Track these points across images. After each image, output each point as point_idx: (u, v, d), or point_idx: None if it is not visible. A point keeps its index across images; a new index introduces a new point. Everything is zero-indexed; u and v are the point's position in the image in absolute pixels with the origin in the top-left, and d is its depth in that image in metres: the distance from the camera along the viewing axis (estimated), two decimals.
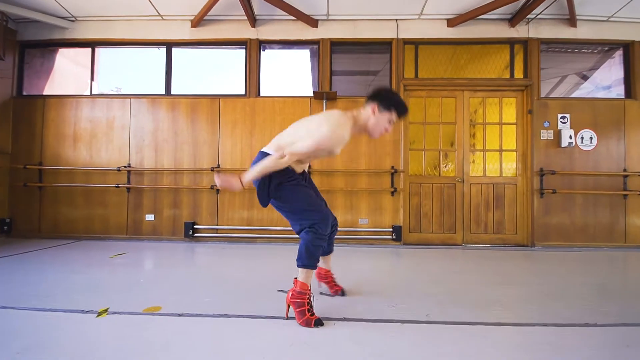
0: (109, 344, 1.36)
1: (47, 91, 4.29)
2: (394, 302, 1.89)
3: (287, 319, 1.62)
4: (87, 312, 1.69)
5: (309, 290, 1.63)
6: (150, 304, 1.81)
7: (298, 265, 1.63)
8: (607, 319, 1.68)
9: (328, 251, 1.99)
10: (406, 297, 1.99)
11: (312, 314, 1.56)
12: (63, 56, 4.47)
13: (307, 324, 1.53)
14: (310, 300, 1.60)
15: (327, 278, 2.04)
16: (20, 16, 3.97)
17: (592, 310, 1.81)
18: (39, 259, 2.93)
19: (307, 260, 1.61)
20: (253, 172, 1.59)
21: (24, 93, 4.25)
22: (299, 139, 1.61)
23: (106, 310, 1.71)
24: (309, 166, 1.88)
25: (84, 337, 1.42)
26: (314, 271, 1.76)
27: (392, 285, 2.28)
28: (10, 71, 4.16)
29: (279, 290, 2.06)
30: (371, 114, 1.66)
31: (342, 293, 2.00)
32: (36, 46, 4.28)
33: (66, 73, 4.50)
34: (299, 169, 1.78)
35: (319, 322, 1.55)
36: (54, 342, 1.37)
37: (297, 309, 1.58)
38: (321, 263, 2.02)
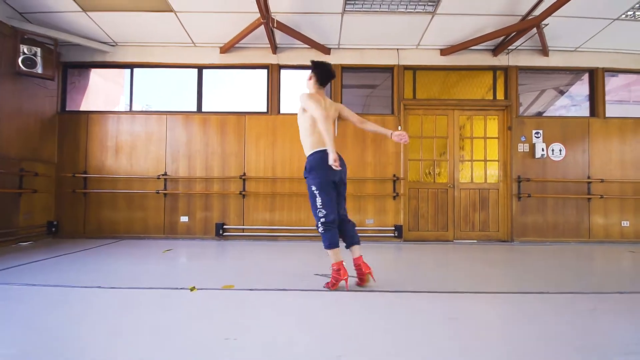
0: (213, 308, 1.96)
1: (86, 107, 4.82)
2: (399, 281, 2.53)
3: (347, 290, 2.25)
4: (181, 289, 2.29)
5: (341, 264, 2.23)
6: (224, 283, 2.41)
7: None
8: (560, 289, 2.35)
9: (350, 243, 2.36)
10: (409, 277, 2.64)
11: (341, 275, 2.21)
12: (100, 76, 5.01)
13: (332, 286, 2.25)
14: (339, 274, 2.21)
15: (356, 267, 2.33)
16: (67, 41, 4.49)
17: (552, 283, 2.48)
18: (100, 254, 3.48)
19: (325, 243, 2.25)
20: (328, 142, 2.13)
21: (67, 109, 4.77)
22: (307, 112, 2.27)
23: (194, 287, 2.31)
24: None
25: (194, 305, 2.01)
26: (338, 249, 2.24)
27: (397, 270, 2.92)
28: (55, 90, 4.68)
29: (315, 274, 2.68)
30: (307, 80, 2.41)
31: (364, 286, 2.33)
32: (77, 67, 4.80)
33: (104, 91, 5.04)
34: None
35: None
36: (181, 310, 1.96)
37: (332, 280, 2.24)
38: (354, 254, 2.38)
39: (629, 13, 3.95)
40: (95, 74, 4.98)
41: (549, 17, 3.80)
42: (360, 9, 3.93)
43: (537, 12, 3.85)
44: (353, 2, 3.81)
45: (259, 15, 3.77)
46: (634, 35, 4.36)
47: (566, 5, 3.58)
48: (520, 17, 4.01)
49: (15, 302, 1.99)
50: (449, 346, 1.45)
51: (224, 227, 4.52)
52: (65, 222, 4.58)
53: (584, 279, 2.68)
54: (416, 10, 3.92)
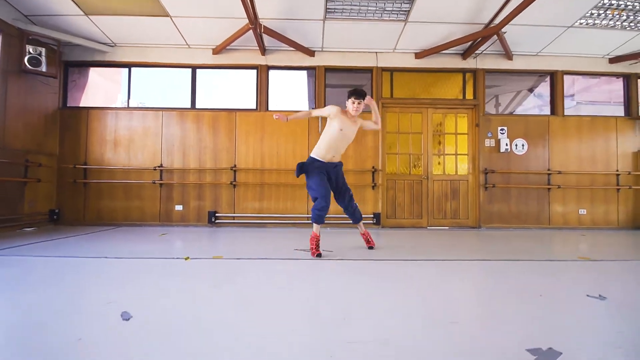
0: (205, 271, 2.35)
1: (86, 103, 5.15)
2: (376, 255, 2.95)
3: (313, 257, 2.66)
4: (177, 258, 2.66)
5: (318, 236, 2.76)
6: (215, 254, 2.79)
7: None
8: (516, 257, 2.79)
9: (355, 220, 3.14)
10: (385, 252, 3.06)
11: (317, 250, 2.70)
12: (100, 74, 5.34)
13: (313, 255, 2.67)
14: (317, 242, 2.71)
15: (363, 236, 3.15)
16: (69, 42, 4.82)
17: (513, 253, 2.92)
18: (102, 237, 3.83)
19: (314, 219, 2.76)
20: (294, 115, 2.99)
21: (68, 105, 5.09)
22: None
23: (188, 257, 2.69)
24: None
25: (189, 269, 2.39)
26: (319, 226, 2.83)
27: (376, 249, 3.34)
28: (57, 87, 4.99)
29: (295, 249, 3.08)
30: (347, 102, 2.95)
31: (372, 247, 3.09)
32: (78, 65, 5.13)
33: (103, 88, 5.36)
34: (327, 155, 2.89)
35: (319, 255, 2.66)
36: (177, 271, 2.34)
37: (311, 247, 2.69)
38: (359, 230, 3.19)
39: (582, 21, 4.43)
40: (94, 73, 5.30)
41: (508, 26, 4.26)
42: (340, 17, 4.34)
43: (497, 21, 4.30)
44: (333, 11, 4.22)
45: (247, 21, 4.16)
46: (589, 41, 4.84)
47: (523, 14, 4.04)
48: (483, 25, 4.46)
49: (33, 268, 2.35)
50: (415, 292, 1.87)
51: (216, 215, 4.89)
52: (67, 211, 4.90)
53: (520, 252, 3.13)
54: (390, 18, 4.35)
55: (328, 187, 2.87)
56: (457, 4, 4.06)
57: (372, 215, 4.95)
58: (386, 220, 5.08)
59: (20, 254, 2.76)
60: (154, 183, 4.87)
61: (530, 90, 5.47)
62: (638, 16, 4.28)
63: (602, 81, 5.51)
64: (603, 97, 5.56)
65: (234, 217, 4.91)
